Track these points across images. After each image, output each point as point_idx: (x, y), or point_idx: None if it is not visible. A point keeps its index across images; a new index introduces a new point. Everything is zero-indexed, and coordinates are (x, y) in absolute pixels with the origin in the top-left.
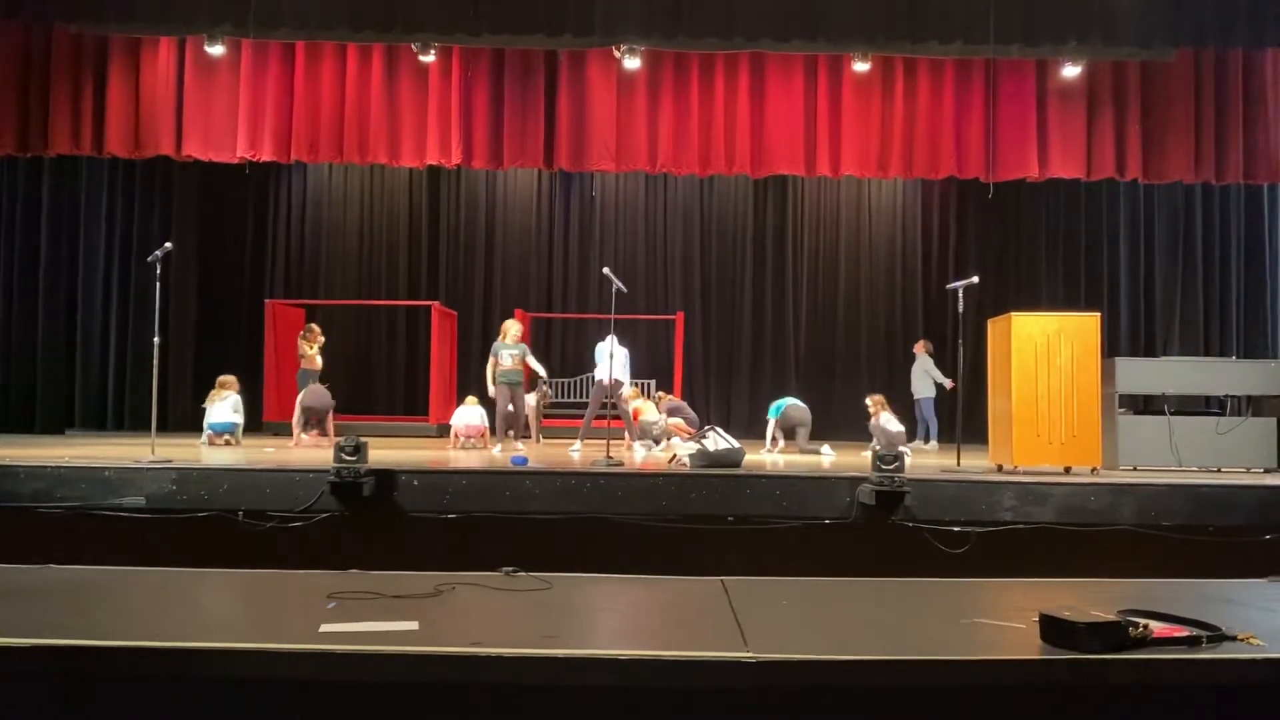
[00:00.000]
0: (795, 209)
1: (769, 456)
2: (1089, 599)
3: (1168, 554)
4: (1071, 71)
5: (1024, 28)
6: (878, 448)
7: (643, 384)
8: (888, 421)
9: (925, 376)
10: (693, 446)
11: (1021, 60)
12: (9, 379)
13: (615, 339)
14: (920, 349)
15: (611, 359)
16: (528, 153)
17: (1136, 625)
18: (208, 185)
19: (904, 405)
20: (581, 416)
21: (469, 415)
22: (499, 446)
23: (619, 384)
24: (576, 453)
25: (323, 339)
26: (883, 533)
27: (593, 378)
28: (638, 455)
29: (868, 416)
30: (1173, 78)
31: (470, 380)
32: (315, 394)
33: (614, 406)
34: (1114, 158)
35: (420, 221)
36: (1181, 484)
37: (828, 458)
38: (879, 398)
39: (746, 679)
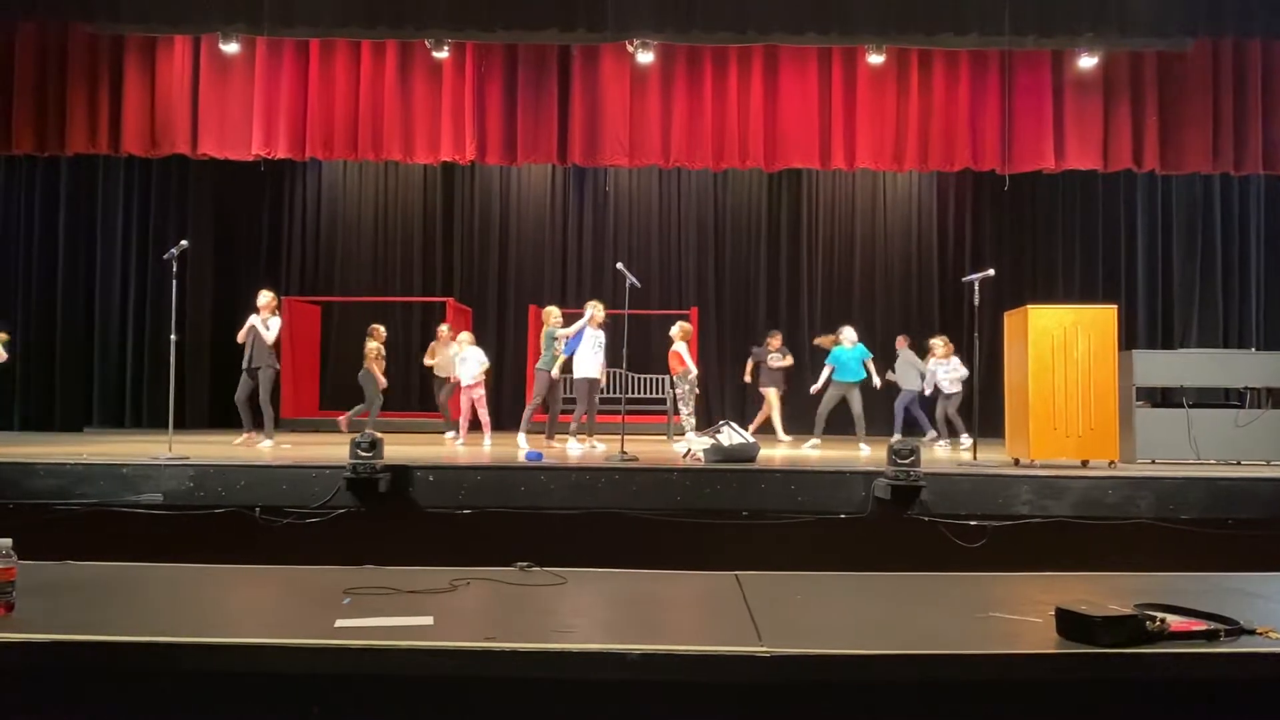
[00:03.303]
0: (810, 202)
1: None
2: (1106, 593)
3: (1186, 547)
4: (1088, 62)
5: (1039, 18)
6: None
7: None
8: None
9: (911, 369)
10: (707, 441)
11: (1037, 51)
12: (28, 377)
13: (598, 331)
14: (903, 344)
15: (600, 351)
16: (541, 148)
17: (1154, 619)
18: (223, 183)
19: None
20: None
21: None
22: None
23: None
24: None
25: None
26: (898, 527)
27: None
28: (680, 449)
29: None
30: (1190, 68)
31: None
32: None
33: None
34: (1131, 149)
35: (435, 217)
36: (1200, 477)
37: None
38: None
39: (761, 674)
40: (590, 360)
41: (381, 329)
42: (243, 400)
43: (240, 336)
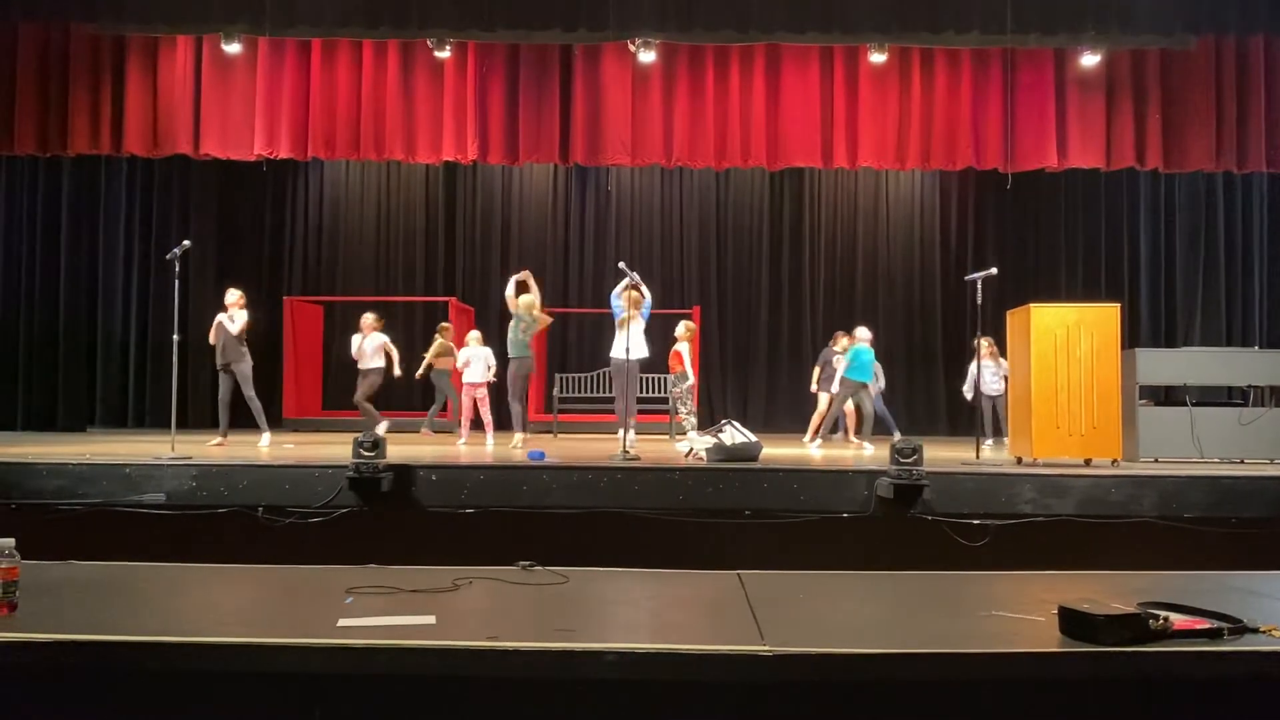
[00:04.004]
0: (812, 201)
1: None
2: (1109, 591)
3: (1189, 546)
4: (1090, 60)
5: (1042, 17)
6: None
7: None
8: (990, 377)
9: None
10: (710, 440)
11: (1039, 50)
12: (31, 377)
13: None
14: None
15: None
16: (543, 148)
17: (1157, 618)
18: (225, 183)
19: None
20: (595, 411)
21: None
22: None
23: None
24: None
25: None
26: (901, 526)
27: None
28: (682, 448)
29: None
30: (1193, 66)
31: None
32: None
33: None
34: (1134, 147)
35: (437, 217)
36: (1203, 475)
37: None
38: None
39: (763, 673)
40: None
41: (450, 327)
42: (224, 401)
43: (211, 337)
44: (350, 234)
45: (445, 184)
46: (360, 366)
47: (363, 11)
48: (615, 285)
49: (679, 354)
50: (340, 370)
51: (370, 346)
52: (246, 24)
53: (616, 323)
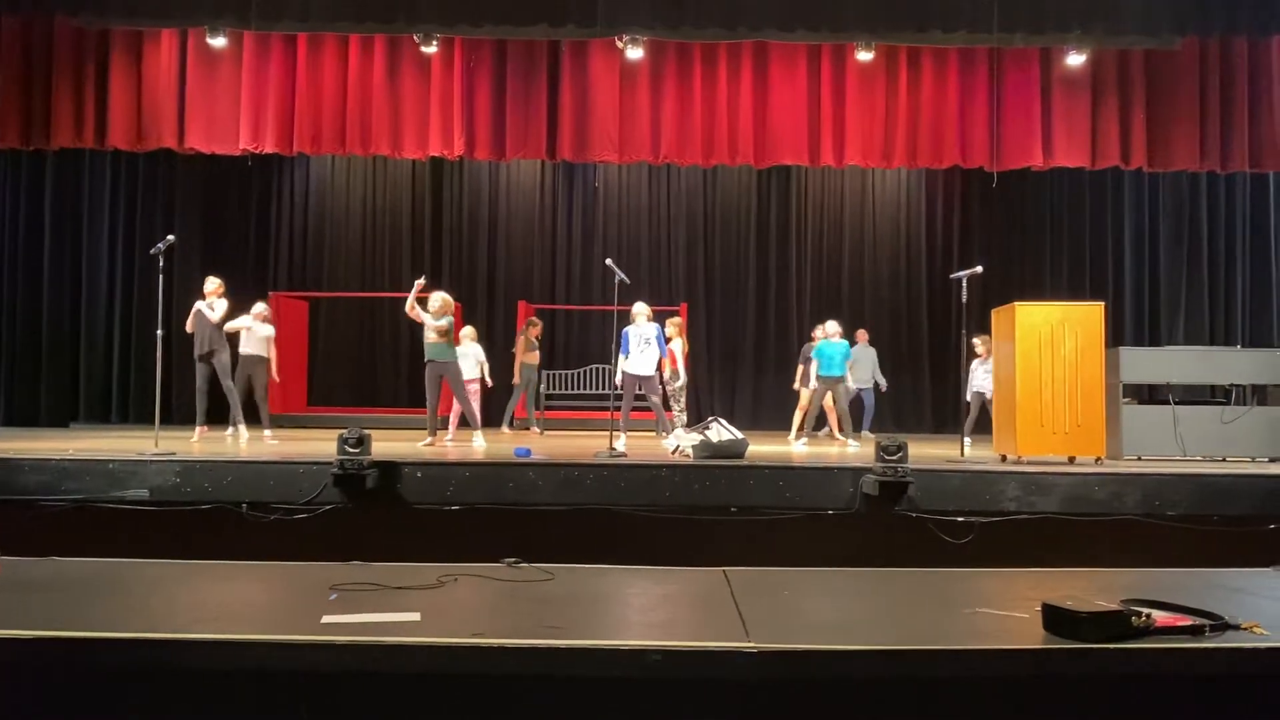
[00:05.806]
0: (799, 199)
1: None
2: (1092, 588)
3: (1172, 544)
4: (1076, 60)
5: (1028, 16)
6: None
7: None
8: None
9: (867, 365)
10: (696, 437)
11: (1025, 49)
12: (13, 372)
13: (657, 327)
14: (864, 338)
15: (648, 347)
16: (530, 144)
17: (1139, 614)
18: (210, 178)
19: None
20: (582, 408)
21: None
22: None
23: (650, 377)
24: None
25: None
26: (886, 523)
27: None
28: (669, 444)
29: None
30: (1178, 66)
31: None
32: None
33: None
34: (1118, 146)
35: (423, 213)
36: (1186, 474)
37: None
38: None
39: (748, 669)
40: (635, 358)
41: (539, 323)
42: (202, 391)
43: (188, 326)
44: (336, 229)
45: (432, 180)
46: (245, 352)
47: (349, 6)
48: (603, 282)
49: (671, 353)
50: (325, 366)
51: (261, 332)
52: (232, 18)
53: (645, 340)
